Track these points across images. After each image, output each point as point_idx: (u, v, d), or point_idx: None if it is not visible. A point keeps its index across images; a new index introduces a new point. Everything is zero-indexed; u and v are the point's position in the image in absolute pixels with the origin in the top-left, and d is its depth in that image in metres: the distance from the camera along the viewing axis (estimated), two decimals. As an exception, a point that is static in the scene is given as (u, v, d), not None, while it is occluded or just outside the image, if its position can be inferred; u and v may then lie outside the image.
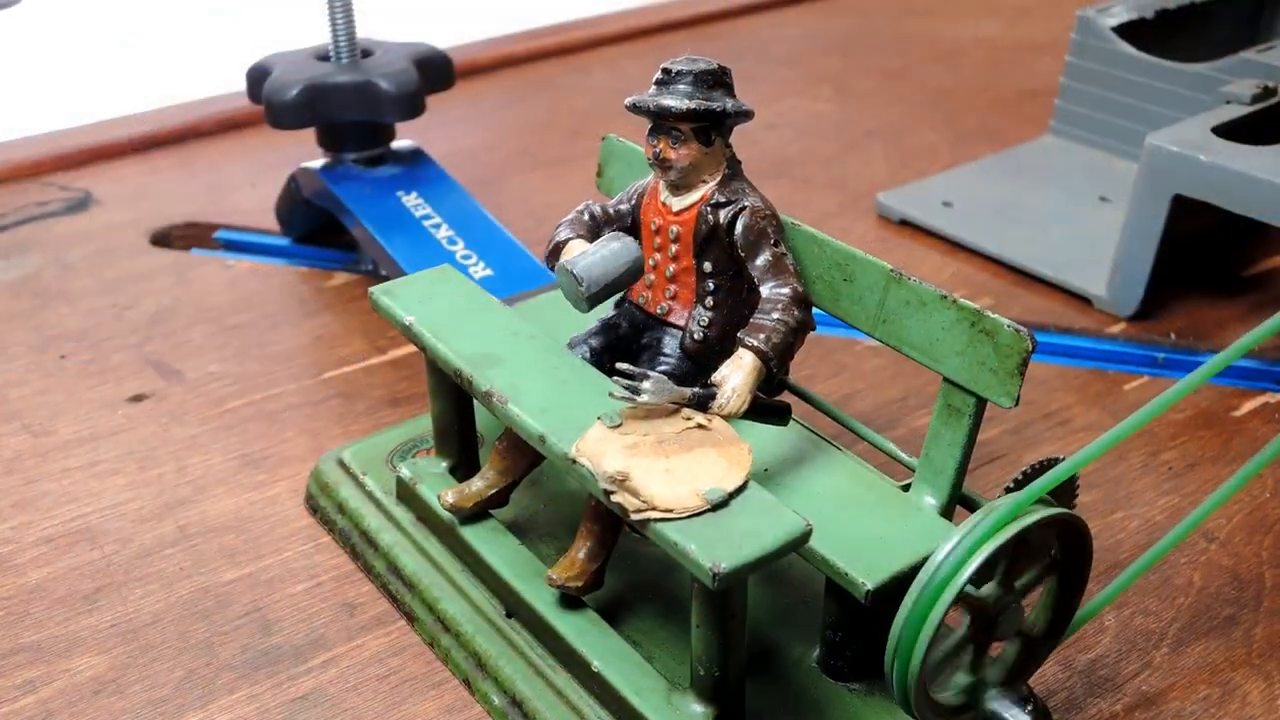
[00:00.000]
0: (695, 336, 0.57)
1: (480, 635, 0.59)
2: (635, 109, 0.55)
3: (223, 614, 0.63)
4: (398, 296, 0.61)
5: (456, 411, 0.63)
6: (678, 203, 0.56)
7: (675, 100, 0.54)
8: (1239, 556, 0.68)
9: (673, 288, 0.58)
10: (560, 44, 1.44)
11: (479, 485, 0.60)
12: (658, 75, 0.55)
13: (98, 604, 0.64)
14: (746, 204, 0.55)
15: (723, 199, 0.56)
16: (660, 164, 0.55)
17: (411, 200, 0.93)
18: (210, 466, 0.74)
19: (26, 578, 0.66)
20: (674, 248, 0.57)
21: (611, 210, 0.60)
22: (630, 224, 0.59)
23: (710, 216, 0.55)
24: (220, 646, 0.61)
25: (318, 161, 0.95)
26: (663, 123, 0.55)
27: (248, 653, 0.61)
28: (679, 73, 0.55)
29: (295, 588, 0.65)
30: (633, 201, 0.59)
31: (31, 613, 0.63)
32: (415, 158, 0.97)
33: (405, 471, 0.65)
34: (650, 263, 0.58)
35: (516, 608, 0.59)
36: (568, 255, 0.58)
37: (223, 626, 0.63)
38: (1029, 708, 0.53)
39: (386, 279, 0.80)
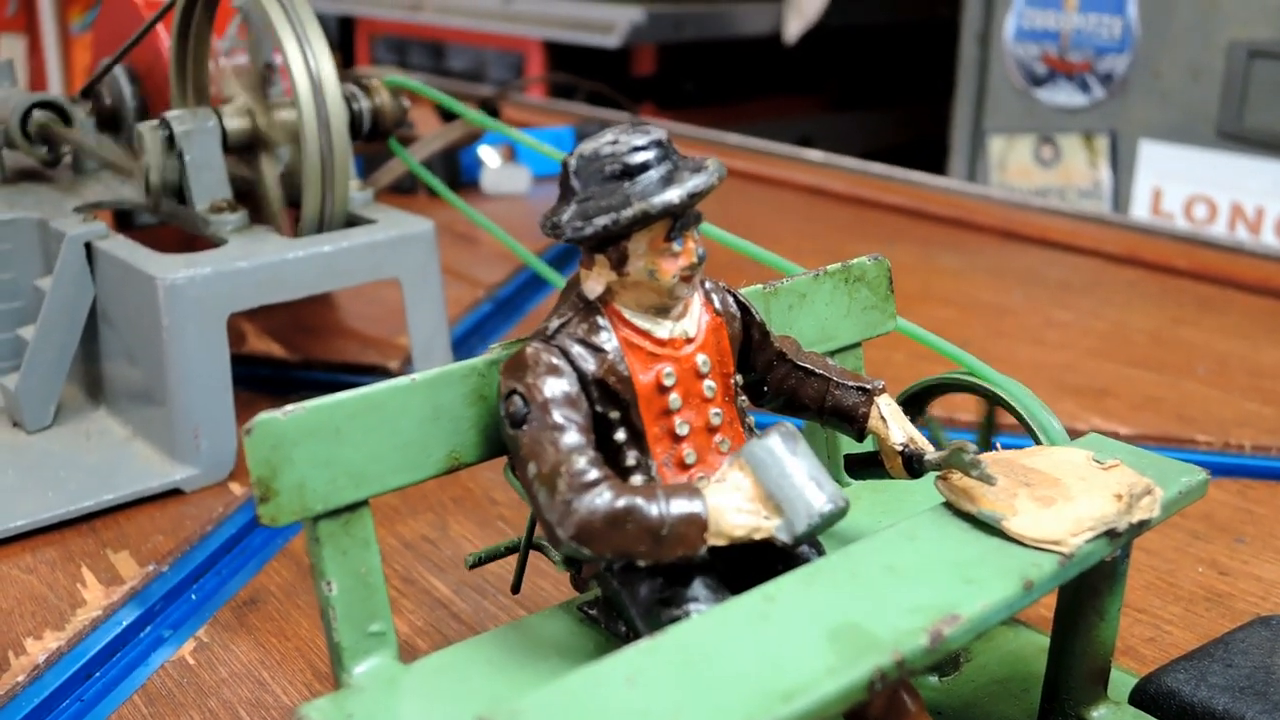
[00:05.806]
0: None
1: None
2: (666, 212, 0.40)
3: None
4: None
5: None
6: (689, 321, 0.42)
7: (702, 177, 0.40)
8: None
9: (726, 440, 0.43)
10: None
11: None
12: (636, 160, 0.40)
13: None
14: (720, 281, 0.45)
15: (708, 283, 0.44)
16: (696, 269, 0.41)
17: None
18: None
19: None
20: (708, 385, 0.42)
21: (583, 420, 0.41)
22: (601, 409, 0.42)
23: (733, 308, 0.44)
24: None
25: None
26: (689, 211, 0.41)
27: None
28: (655, 142, 0.41)
29: None
30: (585, 404, 0.41)
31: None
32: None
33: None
34: (680, 430, 0.42)
35: None
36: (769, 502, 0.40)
37: None
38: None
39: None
